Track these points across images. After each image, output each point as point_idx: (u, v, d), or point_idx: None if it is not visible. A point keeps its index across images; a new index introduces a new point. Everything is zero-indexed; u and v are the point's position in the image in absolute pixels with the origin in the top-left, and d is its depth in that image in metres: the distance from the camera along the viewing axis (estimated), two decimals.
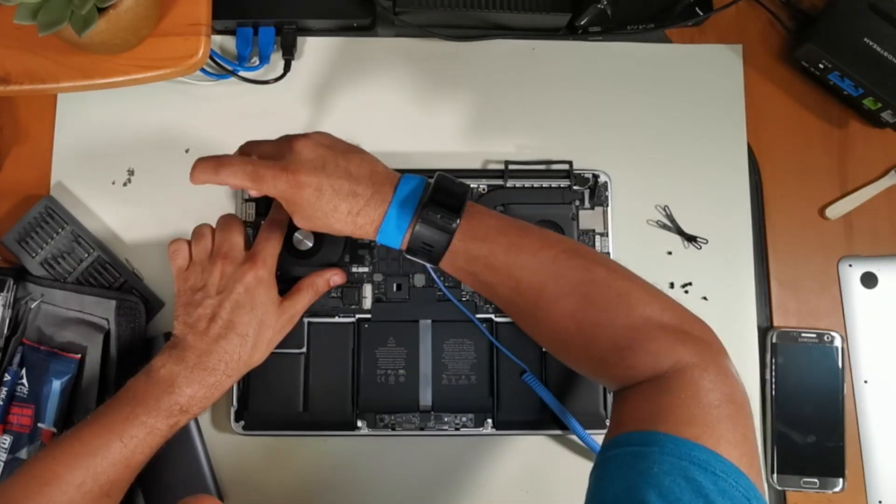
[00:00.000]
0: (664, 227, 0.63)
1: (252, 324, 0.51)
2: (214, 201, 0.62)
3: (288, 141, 0.48)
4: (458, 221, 0.46)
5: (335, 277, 0.57)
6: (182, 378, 0.49)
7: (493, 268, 0.47)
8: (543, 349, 0.59)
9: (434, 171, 0.61)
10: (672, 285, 0.62)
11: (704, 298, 0.62)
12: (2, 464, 0.55)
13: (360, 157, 0.48)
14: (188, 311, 0.51)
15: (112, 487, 0.48)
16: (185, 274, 0.53)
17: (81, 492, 0.46)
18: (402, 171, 0.50)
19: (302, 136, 0.48)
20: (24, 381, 0.56)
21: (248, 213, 0.60)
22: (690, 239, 0.62)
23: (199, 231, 0.55)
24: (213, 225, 0.56)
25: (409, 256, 0.49)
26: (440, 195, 0.46)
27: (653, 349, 0.43)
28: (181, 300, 0.53)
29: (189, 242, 0.55)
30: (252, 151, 0.50)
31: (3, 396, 0.55)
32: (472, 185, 0.60)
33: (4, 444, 0.55)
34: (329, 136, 0.49)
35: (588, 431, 0.58)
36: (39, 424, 0.55)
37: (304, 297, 0.55)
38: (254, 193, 0.50)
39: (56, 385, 0.55)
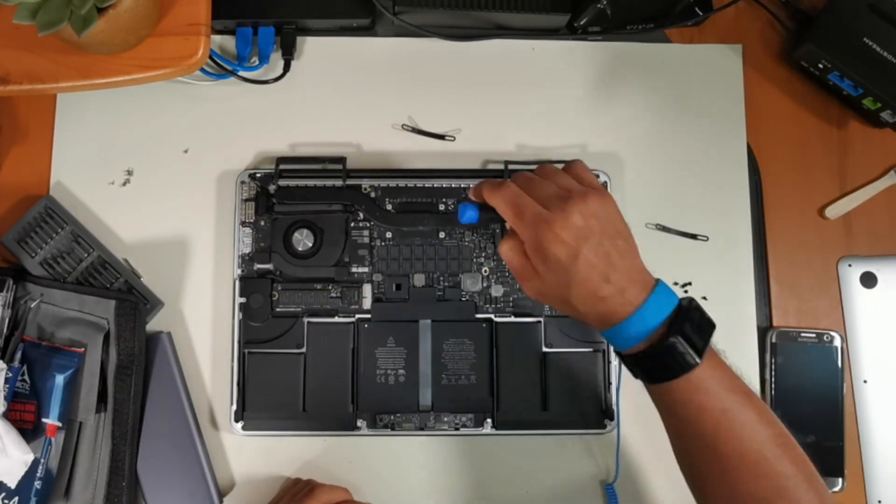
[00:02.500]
0: (664, 228, 0.63)
1: None
2: (213, 201, 0.62)
3: (565, 198, 0.45)
4: (698, 360, 0.44)
5: None
6: None
7: (702, 421, 0.44)
8: (543, 350, 0.59)
9: (434, 171, 0.61)
10: (687, 289, 0.62)
11: (704, 298, 0.62)
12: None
13: (625, 245, 0.46)
14: None
15: None
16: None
17: None
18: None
19: (580, 199, 0.45)
20: (26, 376, 0.56)
21: (248, 213, 0.60)
22: (691, 236, 0.62)
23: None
24: None
25: (623, 362, 0.47)
26: (690, 325, 0.44)
27: None
28: None
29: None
30: (526, 186, 0.48)
31: (5, 393, 0.55)
32: (472, 186, 0.61)
33: None
34: (608, 208, 0.46)
35: (588, 431, 0.58)
36: (43, 419, 0.55)
37: None
38: (502, 250, 0.49)
39: (59, 379, 0.55)
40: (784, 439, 0.45)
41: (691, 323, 0.44)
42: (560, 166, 0.49)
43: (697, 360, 0.43)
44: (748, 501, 0.44)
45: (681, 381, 0.44)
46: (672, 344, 0.43)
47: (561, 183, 0.47)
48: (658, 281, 0.46)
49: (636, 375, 0.47)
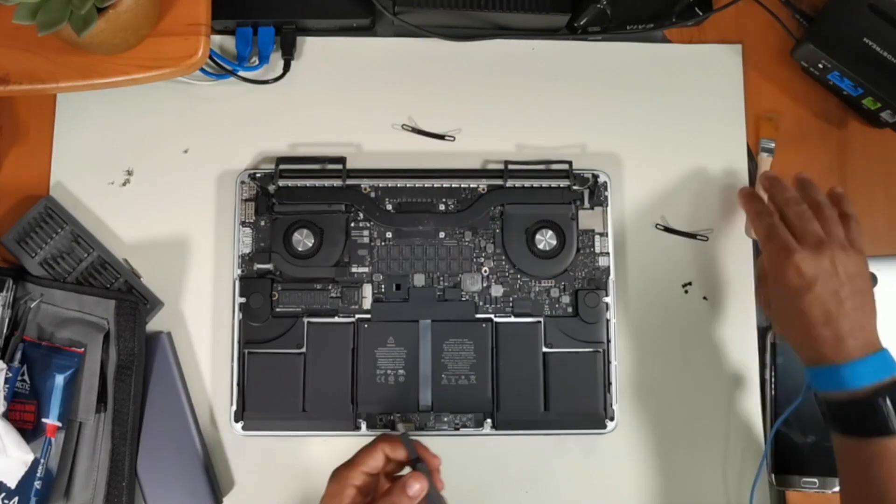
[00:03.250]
0: (665, 228, 0.63)
1: None
2: (213, 201, 0.62)
3: (821, 244, 0.47)
4: None
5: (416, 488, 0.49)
6: None
7: (888, 489, 0.44)
8: (543, 350, 0.59)
9: (434, 171, 0.61)
10: (687, 289, 0.62)
11: (704, 298, 0.62)
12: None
13: (864, 302, 0.47)
14: None
15: None
16: None
17: None
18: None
19: (839, 248, 0.47)
20: (26, 377, 0.56)
21: (248, 213, 0.60)
22: (691, 236, 0.62)
23: None
24: None
25: (817, 402, 0.47)
26: None
27: None
28: None
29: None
30: (804, 211, 0.50)
31: (5, 393, 0.55)
32: (473, 186, 0.61)
33: None
34: (862, 267, 0.48)
35: (588, 431, 0.58)
36: (43, 420, 0.55)
37: None
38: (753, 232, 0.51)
39: (59, 379, 0.55)
40: None
41: None
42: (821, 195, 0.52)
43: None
44: None
45: (876, 442, 0.44)
46: (879, 403, 0.44)
47: (826, 223, 0.49)
48: (884, 348, 0.46)
49: (826, 421, 0.47)
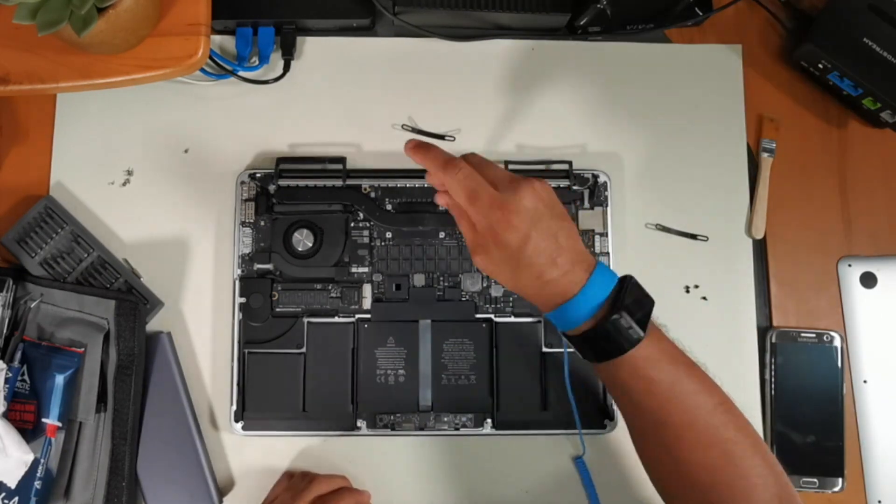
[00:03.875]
0: (664, 228, 0.63)
1: None
2: (213, 201, 0.62)
3: (515, 181, 0.46)
4: (642, 334, 0.45)
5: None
6: None
7: (651, 394, 0.45)
8: (543, 350, 0.59)
9: None
10: (688, 289, 0.62)
11: (704, 298, 0.62)
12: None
13: (569, 227, 0.47)
14: None
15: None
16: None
17: None
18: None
19: (527, 182, 0.46)
20: (26, 377, 0.56)
21: (248, 213, 0.60)
22: (691, 236, 0.62)
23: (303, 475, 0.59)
24: None
25: (570, 342, 0.47)
26: (631, 300, 0.45)
27: None
28: None
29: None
30: (476, 168, 0.48)
31: (5, 393, 0.55)
32: None
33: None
34: (551, 192, 0.47)
35: (588, 431, 0.58)
36: (43, 419, 0.55)
37: None
38: (441, 201, 0.49)
39: (59, 379, 0.55)
40: (727, 406, 0.46)
41: (633, 299, 0.45)
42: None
43: (641, 333, 0.44)
44: (698, 471, 0.44)
45: (627, 356, 0.45)
46: (616, 320, 0.44)
47: (495, 170, 0.48)
48: (598, 261, 0.47)
49: (584, 356, 0.47)
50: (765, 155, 0.63)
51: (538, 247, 0.45)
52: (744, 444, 0.45)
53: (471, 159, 0.48)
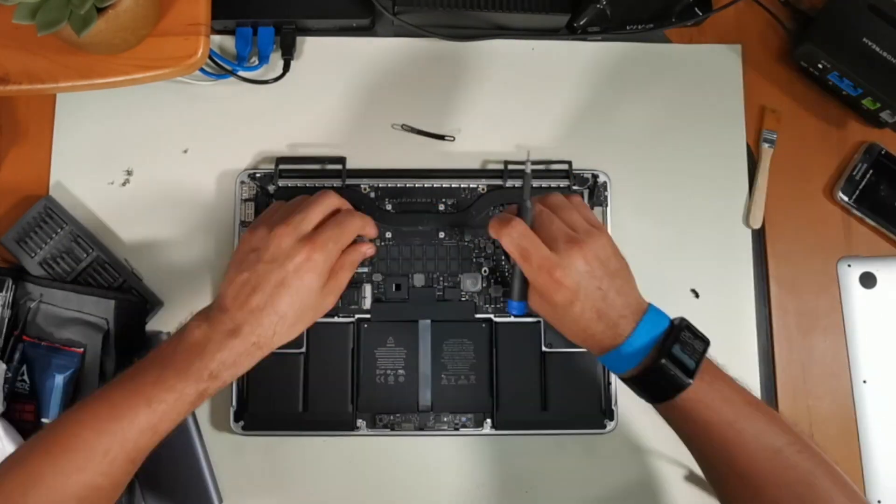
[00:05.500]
0: (661, 228, 0.63)
1: (294, 305, 0.48)
2: (213, 201, 0.62)
3: (572, 241, 0.46)
4: (689, 381, 0.45)
5: (367, 250, 0.54)
6: (214, 343, 0.47)
7: (709, 437, 0.46)
8: (543, 350, 0.59)
9: (434, 171, 0.61)
10: (688, 289, 0.62)
11: (696, 295, 0.62)
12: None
13: (622, 282, 0.47)
14: (238, 270, 0.49)
15: (137, 455, 0.46)
16: (254, 230, 0.50)
17: (107, 459, 0.44)
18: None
19: (583, 245, 0.46)
20: (26, 376, 0.56)
21: (248, 213, 0.60)
22: (690, 237, 0.62)
23: (297, 197, 0.54)
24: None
25: (627, 384, 0.48)
26: (679, 346, 0.45)
27: None
28: (236, 255, 0.50)
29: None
30: (552, 210, 0.49)
31: (4, 393, 0.55)
32: (473, 186, 0.61)
33: None
34: (608, 247, 0.48)
35: (588, 431, 0.58)
36: (43, 419, 0.55)
37: (347, 276, 0.52)
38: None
39: (59, 379, 0.55)
40: (799, 445, 0.45)
41: (681, 343, 0.45)
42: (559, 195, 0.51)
43: (688, 380, 0.45)
44: None
45: (679, 400, 0.45)
46: (661, 366, 0.45)
47: (567, 218, 0.49)
48: (649, 306, 0.47)
49: (640, 396, 0.48)
50: (765, 146, 0.63)
51: (584, 306, 0.46)
52: (820, 484, 0.44)
53: (549, 201, 0.50)
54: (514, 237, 0.47)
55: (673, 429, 0.48)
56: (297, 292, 0.48)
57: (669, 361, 0.45)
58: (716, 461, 0.46)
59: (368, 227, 0.53)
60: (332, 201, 0.52)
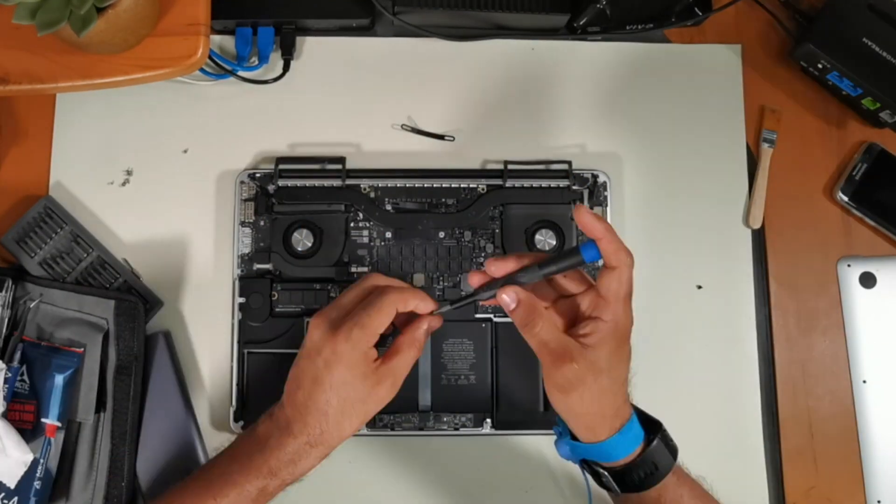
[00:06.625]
0: (661, 228, 0.63)
1: (332, 402, 0.46)
2: (213, 201, 0.62)
3: (586, 350, 0.44)
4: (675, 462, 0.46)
5: (433, 323, 0.49)
6: (273, 439, 0.46)
7: None
8: None
9: (434, 171, 0.61)
10: (689, 287, 0.62)
11: (699, 287, 0.62)
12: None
13: (617, 389, 0.46)
14: (293, 364, 0.48)
15: None
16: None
17: None
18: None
19: (592, 358, 0.44)
20: (25, 377, 0.56)
21: (248, 213, 0.60)
22: (691, 236, 0.62)
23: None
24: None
25: (595, 476, 0.48)
26: (648, 461, 0.45)
27: None
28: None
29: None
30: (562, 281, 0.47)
31: (4, 393, 0.55)
32: (473, 186, 0.61)
33: None
34: (622, 359, 0.46)
35: None
36: (43, 420, 0.55)
37: (406, 358, 0.48)
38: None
39: (59, 379, 0.55)
40: None
41: (651, 460, 0.46)
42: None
43: (669, 469, 0.45)
44: None
45: (653, 490, 0.45)
46: (660, 443, 0.46)
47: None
48: (631, 415, 0.46)
49: (601, 484, 0.47)
50: (765, 146, 0.63)
51: (575, 407, 0.45)
52: None
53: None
54: (535, 333, 0.45)
55: None
56: (332, 388, 0.46)
57: (651, 462, 0.45)
58: None
59: (421, 303, 0.48)
60: (369, 282, 0.49)
